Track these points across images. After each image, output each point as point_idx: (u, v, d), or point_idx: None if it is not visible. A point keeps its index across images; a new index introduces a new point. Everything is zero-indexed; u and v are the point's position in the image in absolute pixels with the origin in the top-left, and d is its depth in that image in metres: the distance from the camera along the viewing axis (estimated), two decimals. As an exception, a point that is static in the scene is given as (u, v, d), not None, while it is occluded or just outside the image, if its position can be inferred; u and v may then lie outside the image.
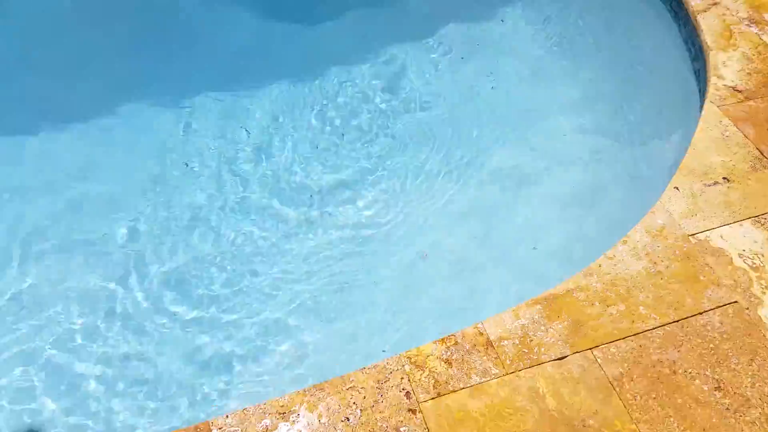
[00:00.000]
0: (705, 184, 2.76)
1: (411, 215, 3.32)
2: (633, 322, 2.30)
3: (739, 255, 2.51)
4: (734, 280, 2.43)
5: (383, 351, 2.62)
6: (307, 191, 3.55)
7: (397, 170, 3.66)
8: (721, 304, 2.35)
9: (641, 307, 2.34)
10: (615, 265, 2.47)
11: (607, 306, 2.34)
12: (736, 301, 2.37)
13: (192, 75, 4.52)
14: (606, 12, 4.37)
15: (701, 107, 3.24)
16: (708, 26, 3.57)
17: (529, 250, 3.02)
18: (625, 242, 2.55)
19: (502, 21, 4.68)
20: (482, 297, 2.76)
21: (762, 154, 2.89)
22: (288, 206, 3.50)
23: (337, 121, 4.11)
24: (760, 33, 3.53)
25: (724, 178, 2.79)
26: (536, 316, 2.31)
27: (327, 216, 3.41)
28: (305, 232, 3.28)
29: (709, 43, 3.46)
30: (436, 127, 4.00)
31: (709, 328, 2.29)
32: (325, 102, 4.28)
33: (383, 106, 4.20)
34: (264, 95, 4.34)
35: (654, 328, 2.28)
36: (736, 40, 3.49)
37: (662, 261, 2.48)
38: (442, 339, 2.26)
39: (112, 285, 3.07)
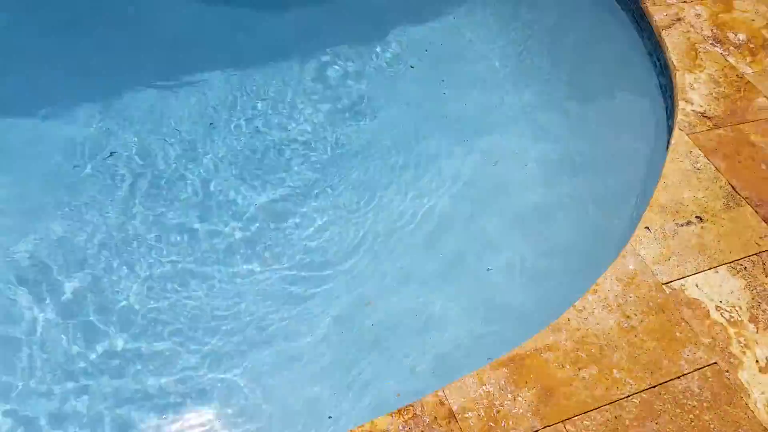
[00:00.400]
0: (677, 223, 2.54)
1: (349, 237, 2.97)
2: (607, 388, 2.04)
3: (716, 307, 2.29)
4: (712, 338, 2.21)
5: (329, 417, 2.28)
6: (234, 209, 3.13)
7: (340, 185, 3.31)
8: (700, 366, 2.13)
9: (615, 371, 2.09)
10: (585, 319, 2.21)
11: (579, 369, 2.07)
12: (715, 362, 2.15)
13: (119, 66, 4.00)
14: (566, 20, 4.12)
15: (670, 132, 3.03)
16: (673, 44, 3.36)
17: (486, 283, 2.73)
18: (595, 291, 2.29)
19: (454, 19, 4.37)
20: (438, 346, 2.45)
21: (734, 189, 2.69)
22: (211, 226, 3.08)
23: (274, 124, 3.71)
24: (724, 53, 3.35)
25: (697, 217, 2.58)
26: (502, 382, 2.02)
27: (257, 240, 3.01)
28: (232, 259, 2.87)
29: (675, 62, 3.26)
30: (380, 135, 3.66)
31: (688, 394, 2.06)
32: (261, 103, 3.87)
33: (321, 114, 3.81)
34: (196, 90, 3.89)
35: (630, 395, 2.03)
36: (701, 60, 3.29)
37: (635, 314, 2.23)
38: (399, 411, 1.94)
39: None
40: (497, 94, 3.89)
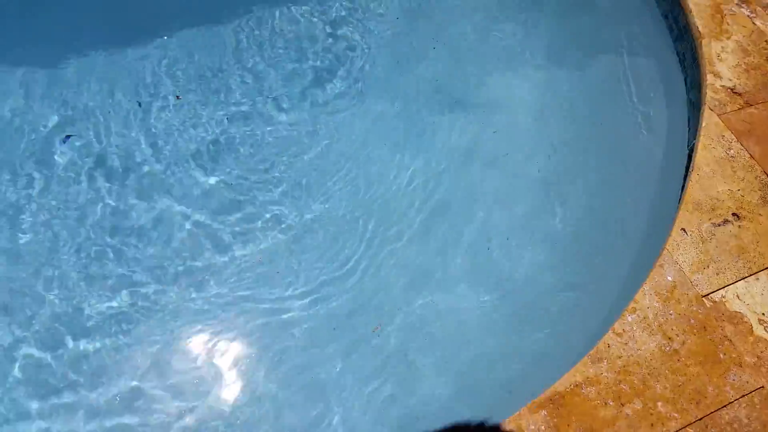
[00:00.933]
0: (714, 223, 2.32)
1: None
2: (652, 425, 1.86)
3: (759, 320, 2.12)
4: (757, 357, 2.04)
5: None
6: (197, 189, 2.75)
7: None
8: (746, 392, 1.97)
9: (660, 403, 1.91)
10: (626, 344, 2.01)
11: (622, 404, 1.89)
12: (762, 387, 1.98)
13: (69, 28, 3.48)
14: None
15: (695, 108, 2.77)
16: (697, 6, 3.05)
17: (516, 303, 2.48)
18: (634, 311, 2.08)
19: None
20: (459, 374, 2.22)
21: (770, 179, 2.48)
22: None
23: (256, 86, 3.28)
24: (751, 16, 3.06)
25: (734, 215, 2.36)
26: (542, 427, 1.82)
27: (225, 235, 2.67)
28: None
29: (700, 28, 2.95)
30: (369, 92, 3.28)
31: (736, 425, 1.90)
32: (240, 64, 3.43)
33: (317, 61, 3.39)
34: (162, 53, 3.43)
35: (677, 432, 1.86)
36: (728, 25, 3.00)
37: (677, 335, 2.04)
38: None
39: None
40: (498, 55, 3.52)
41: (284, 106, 3.12)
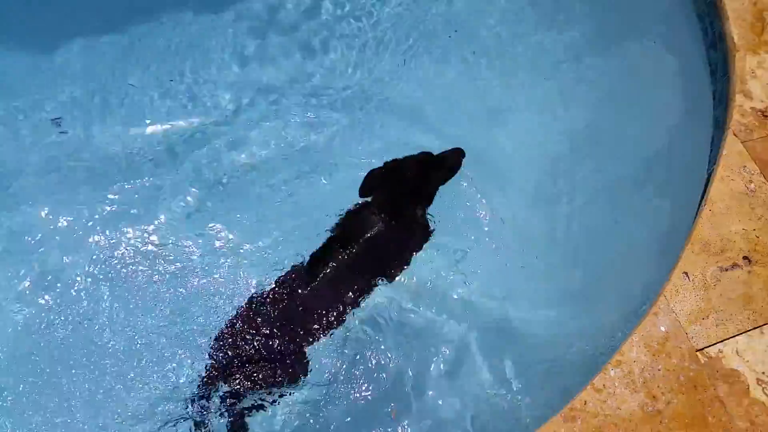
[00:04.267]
0: (721, 267, 2.15)
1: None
2: (623, 493, 1.75)
3: (758, 380, 1.96)
4: (750, 422, 1.89)
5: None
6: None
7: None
8: (733, 462, 1.83)
9: (634, 470, 1.79)
10: (604, 401, 1.88)
11: (592, 469, 1.78)
12: (751, 457, 1.84)
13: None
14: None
15: (719, 129, 2.55)
16: (735, 12, 2.78)
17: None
18: (618, 364, 1.95)
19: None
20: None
21: (792, 219, 2.27)
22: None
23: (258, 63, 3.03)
24: (796, 24, 2.78)
25: (745, 258, 2.18)
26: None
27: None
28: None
29: (736, 38, 2.70)
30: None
31: (716, 500, 1.77)
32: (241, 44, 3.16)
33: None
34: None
35: (648, 503, 1.75)
36: (768, 35, 2.73)
37: (663, 394, 1.91)
38: None
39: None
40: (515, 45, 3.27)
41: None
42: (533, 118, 2.84)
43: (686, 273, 2.13)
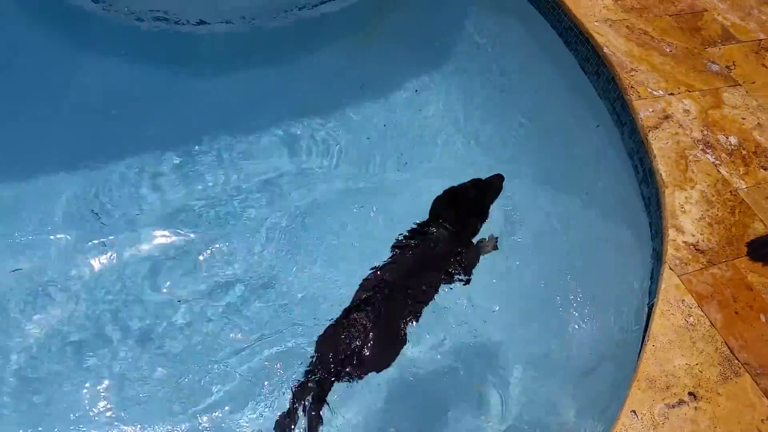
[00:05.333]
0: (668, 404, 2.15)
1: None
2: None
3: None
4: None
5: None
6: None
7: None
8: None
9: None
10: None
11: None
12: None
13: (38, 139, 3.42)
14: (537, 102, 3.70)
15: (656, 262, 2.64)
16: (661, 150, 2.98)
17: None
18: None
19: (416, 91, 3.91)
20: None
21: (732, 352, 2.32)
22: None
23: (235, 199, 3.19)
24: (716, 162, 2.99)
25: (690, 394, 2.19)
26: None
27: None
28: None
29: (663, 175, 2.87)
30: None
31: None
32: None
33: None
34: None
35: None
36: (692, 173, 2.92)
37: None
38: None
39: None
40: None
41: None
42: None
43: (634, 411, 2.12)
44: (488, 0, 4.05)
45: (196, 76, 3.86)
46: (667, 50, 3.54)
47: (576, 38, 3.65)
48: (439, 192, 3.09)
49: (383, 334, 2.51)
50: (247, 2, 3.97)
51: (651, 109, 3.16)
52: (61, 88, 3.68)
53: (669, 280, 2.50)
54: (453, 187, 3.06)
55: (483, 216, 3.05)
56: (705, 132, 3.13)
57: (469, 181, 3.08)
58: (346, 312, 2.56)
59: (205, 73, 3.93)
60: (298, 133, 3.58)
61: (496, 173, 3.12)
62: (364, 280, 2.67)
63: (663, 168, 2.90)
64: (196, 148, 3.49)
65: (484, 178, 3.10)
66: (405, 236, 2.88)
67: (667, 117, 3.15)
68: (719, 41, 3.70)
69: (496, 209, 3.11)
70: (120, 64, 3.81)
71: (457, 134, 3.64)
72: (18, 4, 3.98)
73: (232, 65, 4.00)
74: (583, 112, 3.41)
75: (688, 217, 2.73)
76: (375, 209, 3.21)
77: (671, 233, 2.65)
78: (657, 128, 3.08)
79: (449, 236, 2.89)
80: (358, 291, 2.64)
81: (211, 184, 3.31)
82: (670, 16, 3.80)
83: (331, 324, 2.54)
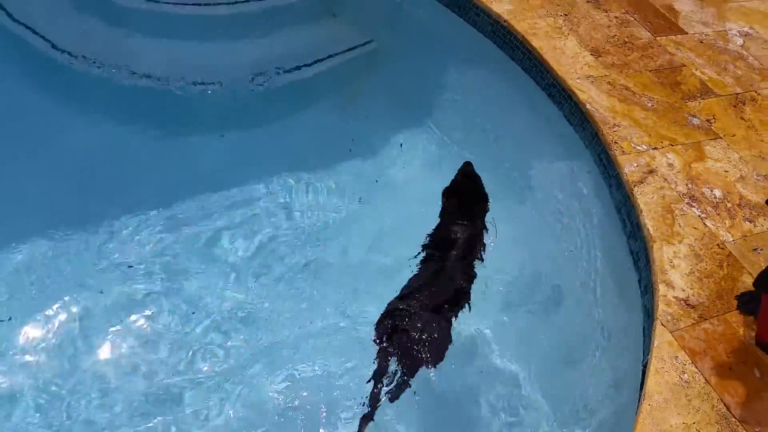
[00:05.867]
0: (668, 466, 2.10)
1: None
2: None
3: None
4: None
5: None
6: None
7: None
8: None
9: None
10: None
11: None
12: None
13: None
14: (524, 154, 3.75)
15: (650, 326, 2.64)
16: (647, 205, 3.02)
17: None
18: None
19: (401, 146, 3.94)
20: None
21: (728, 409, 2.30)
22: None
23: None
24: (702, 215, 3.02)
25: (689, 455, 2.14)
26: None
27: None
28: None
29: (651, 230, 2.90)
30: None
31: None
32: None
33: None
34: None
35: None
36: (679, 227, 2.95)
37: None
38: None
39: None
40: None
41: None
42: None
43: (634, 476, 2.08)
44: (471, 57, 4.14)
45: (183, 136, 3.88)
46: (649, 105, 3.62)
47: (559, 94, 3.73)
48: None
49: (441, 330, 2.74)
50: (235, 65, 4.03)
51: (635, 164, 3.21)
52: (42, 146, 3.69)
53: (661, 336, 2.49)
54: (447, 187, 3.41)
55: (486, 197, 3.38)
56: (690, 185, 3.18)
57: (456, 177, 3.45)
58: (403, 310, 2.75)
59: (194, 132, 3.96)
60: (289, 191, 3.58)
61: (464, 161, 3.51)
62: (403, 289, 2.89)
63: (650, 223, 2.93)
64: (183, 207, 3.49)
65: (457, 173, 3.47)
66: (426, 245, 3.15)
67: (651, 171, 3.20)
68: (698, 95, 3.80)
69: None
70: (106, 121, 3.84)
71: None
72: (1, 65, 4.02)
73: (221, 124, 4.04)
74: (571, 163, 3.46)
75: (677, 272, 2.74)
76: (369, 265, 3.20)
77: (661, 288, 2.66)
78: (642, 183, 3.13)
79: (466, 228, 3.16)
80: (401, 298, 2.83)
81: (197, 241, 3.29)
82: (650, 71, 3.90)
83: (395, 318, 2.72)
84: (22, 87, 3.96)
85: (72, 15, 4.21)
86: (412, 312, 2.72)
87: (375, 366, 2.60)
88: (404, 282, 2.97)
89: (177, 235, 3.32)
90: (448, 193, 3.39)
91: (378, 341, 2.67)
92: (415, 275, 2.97)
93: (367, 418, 2.46)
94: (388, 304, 2.80)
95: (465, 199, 3.33)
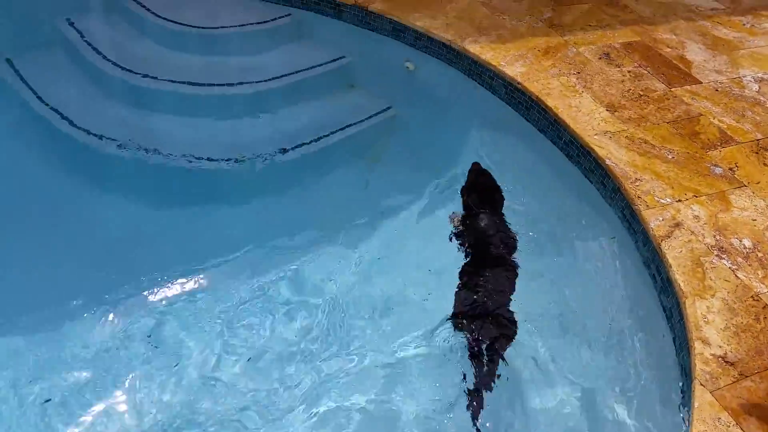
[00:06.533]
0: None
1: None
2: None
3: None
4: None
5: None
6: None
7: None
8: None
9: None
10: None
11: None
12: None
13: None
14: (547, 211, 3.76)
15: (689, 386, 2.57)
16: (676, 259, 2.98)
17: None
18: None
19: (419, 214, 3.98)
20: None
21: (779, 473, 2.20)
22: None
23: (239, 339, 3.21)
24: (733, 267, 2.98)
25: None
26: None
27: None
28: None
29: (681, 285, 2.86)
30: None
31: None
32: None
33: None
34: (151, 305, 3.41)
35: None
36: (711, 280, 2.90)
37: None
38: None
39: None
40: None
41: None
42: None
43: None
44: (486, 120, 4.21)
45: (211, 209, 3.98)
46: (669, 157, 3.63)
47: (577, 151, 3.76)
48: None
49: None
50: (260, 140, 4.16)
51: (661, 218, 3.20)
52: (72, 227, 3.81)
53: (701, 397, 2.43)
54: (465, 186, 3.87)
55: (499, 189, 3.83)
56: (718, 237, 3.15)
57: (471, 176, 3.92)
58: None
59: (221, 205, 4.06)
60: (314, 262, 3.63)
61: (473, 162, 3.99)
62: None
63: (680, 278, 2.90)
64: (213, 277, 3.55)
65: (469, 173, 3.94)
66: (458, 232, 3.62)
67: (677, 224, 3.18)
68: (719, 144, 3.80)
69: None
70: (135, 200, 3.96)
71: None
72: (31, 148, 4.19)
73: (247, 195, 4.14)
74: (593, 222, 3.45)
75: (712, 328, 2.69)
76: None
77: (697, 346, 2.61)
78: (669, 237, 3.11)
79: (491, 215, 3.63)
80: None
81: (225, 318, 3.34)
82: (667, 123, 3.92)
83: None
84: (49, 168, 4.12)
85: (99, 99, 4.40)
86: (484, 299, 3.18)
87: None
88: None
89: (209, 305, 3.37)
90: (467, 191, 3.82)
91: (466, 332, 3.10)
92: (465, 264, 3.42)
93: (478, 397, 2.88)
94: (459, 297, 3.23)
95: (484, 193, 3.81)
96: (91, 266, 3.54)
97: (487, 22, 4.77)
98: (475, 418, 2.82)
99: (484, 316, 3.13)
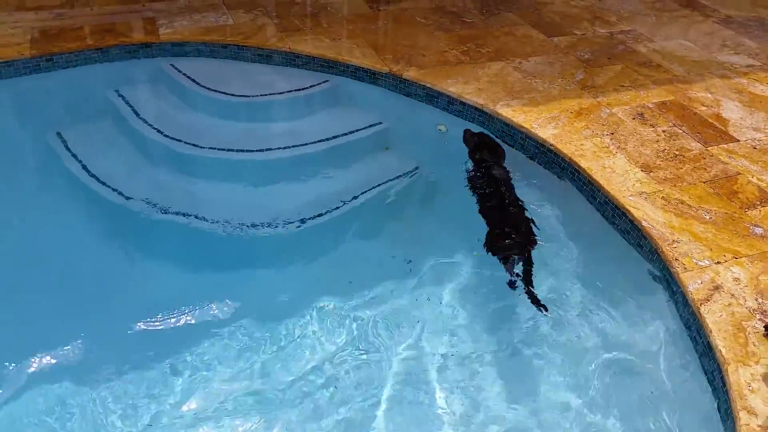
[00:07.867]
0: None
1: None
2: None
3: None
4: None
5: None
6: None
7: None
8: None
9: None
10: None
11: None
12: None
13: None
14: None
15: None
16: (716, 324, 2.92)
17: None
18: None
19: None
20: None
21: None
22: None
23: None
24: (778, 336, 2.87)
25: None
26: None
27: None
28: None
29: (723, 351, 2.77)
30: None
31: None
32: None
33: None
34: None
35: None
36: (754, 346, 2.82)
37: None
38: None
39: None
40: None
41: None
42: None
43: None
44: (519, 178, 4.24)
45: (251, 274, 4.06)
46: (707, 218, 3.58)
47: (613, 212, 3.74)
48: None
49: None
50: (296, 206, 4.27)
51: (699, 281, 3.14)
52: (116, 291, 3.92)
53: (749, 471, 2.32)
54: (471, 148, 4.43)
55: (499, 145, 4.41)
56: (760, 300, 3.07)
57: (473, 139, 4.47)
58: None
59: (261, 270, 4.14)
60: (347, 321, 3.66)
61: (464, 129, 4.58)
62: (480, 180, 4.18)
63: (721, 343, 2.83)
64: (242, 340, 3.60)
65: (470, 137, 4.50)
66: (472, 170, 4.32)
67: (717, 287, 3.12)
68: (758, 203, 3.74)
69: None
70: (171, 264, 4.07)
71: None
72: (78, 217, 4.38)
73: (284, 260, 4.22)
74: (634, 283, 3.41)
75: (758, 397, 2.60)
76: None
77: (743, 416, 2.52)
78: (709, 300, 3.05)
79: (497, 167, 4.23)
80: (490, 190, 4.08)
81: (253, 382, 3.36)
82: (704, 182, 3.89)
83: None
84: (93, 235, 4.28)
85: (144, 167, 4.61)
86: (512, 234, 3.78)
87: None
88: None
89: (244, 375, 3.41)
90: (476, 150, 4.35)
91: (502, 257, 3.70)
92: (488, 205, 4.01)
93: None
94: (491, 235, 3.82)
95: (490, 149, 4.35)
96: (134, 330, 3.64)
97: (519, 86, 4.86)
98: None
99: (522, 245, 3.70)
